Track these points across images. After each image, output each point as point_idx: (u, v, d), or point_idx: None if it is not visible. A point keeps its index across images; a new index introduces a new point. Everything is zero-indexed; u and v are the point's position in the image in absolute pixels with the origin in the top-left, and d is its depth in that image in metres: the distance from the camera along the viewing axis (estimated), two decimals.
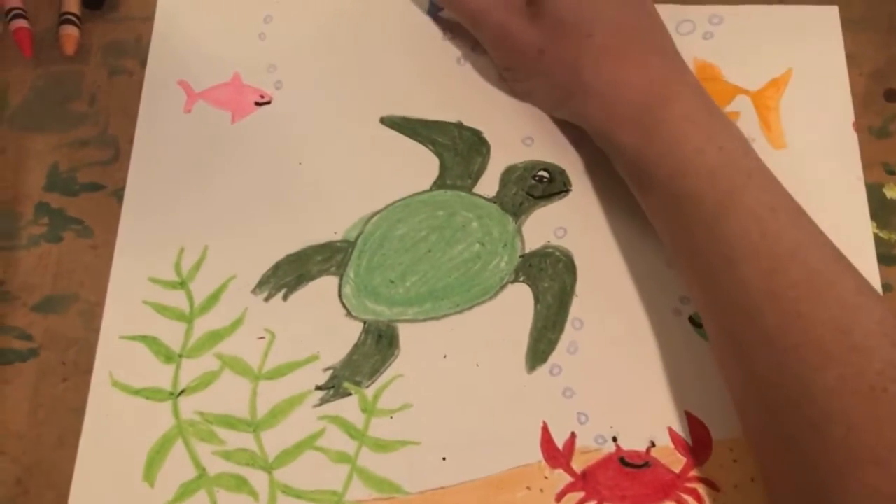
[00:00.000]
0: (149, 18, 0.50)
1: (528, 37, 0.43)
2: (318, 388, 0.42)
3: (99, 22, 0.50)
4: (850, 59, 0.48)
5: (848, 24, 0.49)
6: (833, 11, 0.49)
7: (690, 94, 0.41)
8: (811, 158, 0.46)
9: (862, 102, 0.47)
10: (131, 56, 0.50)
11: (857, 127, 0.47)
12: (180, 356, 0.43)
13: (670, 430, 0.42)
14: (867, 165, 0.46)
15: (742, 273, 0.37)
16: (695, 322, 0.43)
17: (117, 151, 0.47)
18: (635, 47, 0.41)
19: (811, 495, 0.35)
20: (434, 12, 0.50)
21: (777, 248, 0.36)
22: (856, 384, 0.34)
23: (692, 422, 0.42)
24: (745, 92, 0.48)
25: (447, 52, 0.49)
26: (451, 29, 0.49)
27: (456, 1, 0.46)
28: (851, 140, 0.47)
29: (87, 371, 0.43)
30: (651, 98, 0.40)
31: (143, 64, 0.49)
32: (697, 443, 0.41)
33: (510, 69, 0.46)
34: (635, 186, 0.42)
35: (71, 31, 0.49)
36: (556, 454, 0.41)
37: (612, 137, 0.42)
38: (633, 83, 0.41)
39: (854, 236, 0.45)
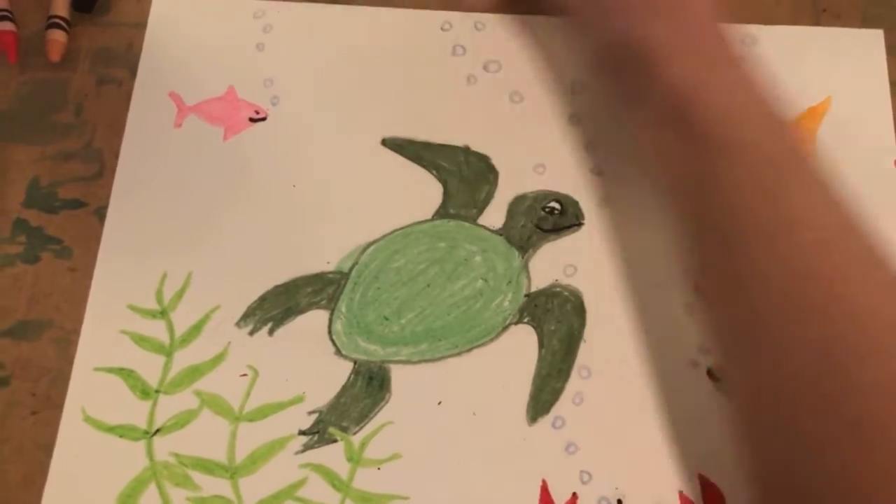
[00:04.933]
0: (141, 24, 0.47)
1: None
2: (302, 432, 0.39)
3: (88, 26, 0.48)
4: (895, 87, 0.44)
5: (893, 50, 0.45)
6: (877, 35, 0.46)
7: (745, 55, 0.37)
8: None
9: None
10: (121, 64, 0.47)
11: None
12: (157, 392, 0.40)
13: (681, 494, 0.38)
14: None
15: (795, 243, 0.33)
16: (713, 375, 0.40)
17: (102, 167, 0.45)
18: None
19: None
20: None
21: (834, 220, 0.33)
22: None
23: (705, 486, 0.38)
24: None
25: (456, 70, 0.46)
26: (461, 44, 0.46)
27: None
28: (892, 178, 0.43)
29: (59, 404, 0.40)
30: (713, 35, 0.36)
31: (134, 73, 0.46)
32: None
33: None
34: (673, 132, 0.36)
35: (58, 37, 0.46)
36: None
37: (668, 62, 0.36)
38: (701, 9, 0.37)
39: None
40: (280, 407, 0.40)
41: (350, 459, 0.39)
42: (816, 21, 0.46)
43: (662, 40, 0.36)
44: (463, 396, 0.40)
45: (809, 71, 0.45)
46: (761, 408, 0.34)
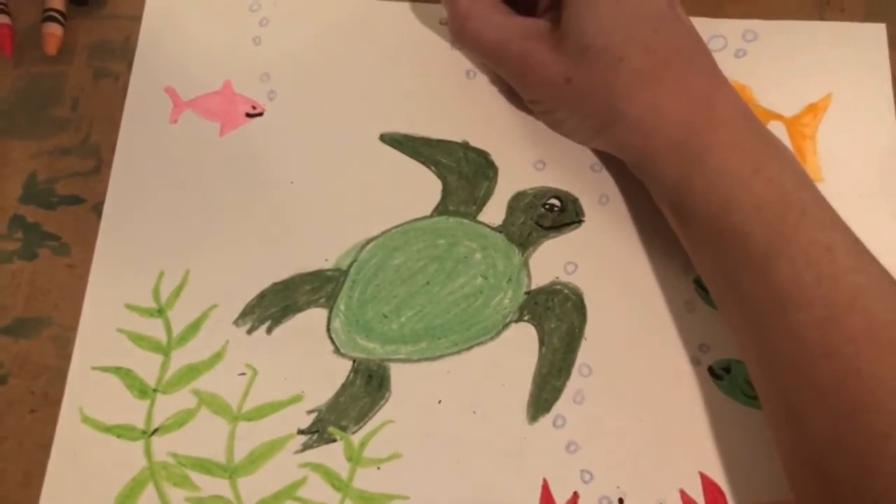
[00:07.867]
0: (138, 17, 0.47)
1: (554, 65, 0.38)
2: (301, 431, 0.39)
3: (85, 19, 0.47)
4: None
5: None
6: (880, 29, 0.45)
7: (736, 118, 0.37)
8: (849, 195, 0.42)
9: None
10: (118, 58, 0.46)
11: None
12: (155, 391, 0.40)
13: (682, 493, 0.38)
14: None
15: (793, 323, 0.33)
16: (715, 373, 0.39)
17: (99, 162, 0.44)
18: (672, 69, 0.37)
19: None
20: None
21: (833, 296, 0.33)
22: None
23: (707, 485, 0.38)
24: (779, 117, 0.44)
25: (456, 64, 0.45)
26: None
27: (469, 36, 0.41)
28: (894, 174, 0.42)
29: (58, 402, 0.40)
30: (692, 125, 0.36)
31: (131, 67, 0.46)
32: None
33: (537, 101, 0.41)
34: (676, 222, 0.38)
35: (54, 30, 0.46)
36: None
37: (651, 169, 0.38)
38: (671, 109, 0.36)
39: None
40: (279, 406, 0.40)
41: (350, 459, 0.39)
42: (820, 14, 0.46)
43: (640, 148, 0.38)
44: (463, 395, 0.40)
45: (810, 66, 0.45)
46: (797, 464, 0.35)
